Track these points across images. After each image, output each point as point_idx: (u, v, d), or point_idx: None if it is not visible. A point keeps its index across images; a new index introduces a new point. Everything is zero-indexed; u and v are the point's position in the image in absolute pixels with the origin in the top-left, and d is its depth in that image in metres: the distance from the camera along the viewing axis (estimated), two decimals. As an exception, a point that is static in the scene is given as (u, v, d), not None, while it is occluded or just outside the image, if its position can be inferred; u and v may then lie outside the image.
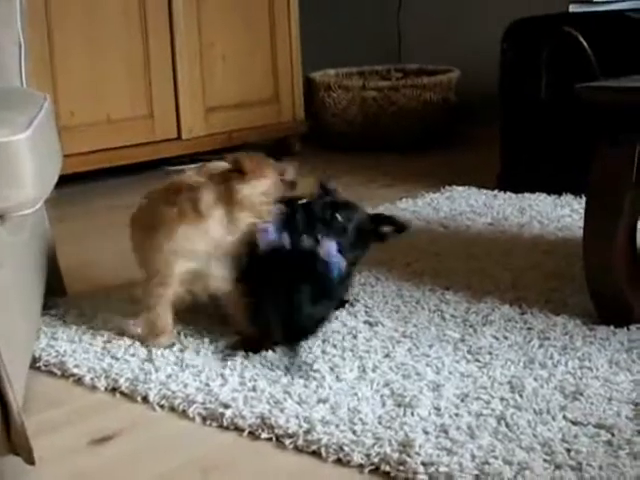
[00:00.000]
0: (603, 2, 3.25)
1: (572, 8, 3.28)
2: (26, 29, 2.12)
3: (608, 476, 1.38)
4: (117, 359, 1.89)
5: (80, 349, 1.95)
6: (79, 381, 1.83)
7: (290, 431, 1.57)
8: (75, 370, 1.86)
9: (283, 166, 2.01)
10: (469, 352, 1.86)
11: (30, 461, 1.41)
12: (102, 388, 1.80)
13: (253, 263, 1.92)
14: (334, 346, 1.91)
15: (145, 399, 1.74)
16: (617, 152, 1.92)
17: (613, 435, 1.51)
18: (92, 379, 1.82)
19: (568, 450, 1.46)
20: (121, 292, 2.28)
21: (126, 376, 1.81)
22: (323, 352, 1.88)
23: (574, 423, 1.55)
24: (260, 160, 1.96)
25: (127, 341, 1.98)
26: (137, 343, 1.96)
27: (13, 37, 2.10)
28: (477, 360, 1.82)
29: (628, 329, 1.94)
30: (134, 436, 1.64)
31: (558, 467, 1.42)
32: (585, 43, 3.00)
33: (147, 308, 1.96)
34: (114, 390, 1.79)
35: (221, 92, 3.87)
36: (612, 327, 1.95)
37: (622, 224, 1.96)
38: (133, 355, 1.91)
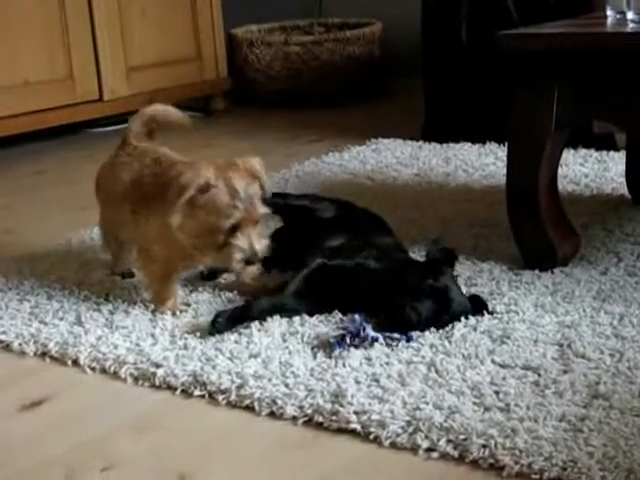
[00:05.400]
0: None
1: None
2: None
3: (535, 415, 1.41)
4: (45, 324, 1.87)
5: (7, 315, 1.92)
6: (7, 347, 1.81)
7: (223, 387, 1.57)
8: (2, 337, 1.84)
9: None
10: (398, 302, 1.87)
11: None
12: (31, 353, 1.78)
13: None
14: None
15: (75, 362, 1.73)
16: (536, 98, 1.94)
17: (539, 376, 1.54)
18: (20, 344, 1.80)
19: (497, 392, 1.49)
20: (47, 258, 2.25)
21: (55, 340, 1.79)
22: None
23: (502, 366, 1.58)
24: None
25: (55, 305, 1.95)
26: (65, 307, 1.94)
27: None
28: (406, 309, 1.84)
29: (552, 272, 1.98)
30: (65, 400, 1.63)
31: (487, 409, 1.44)
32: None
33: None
34: (44, 355, 1.78)
35: (142, 50, 3.80)
36: (537, 271, 1.98)
37: (544, 169, 1.99)
38: (62, 319, 1.89)
